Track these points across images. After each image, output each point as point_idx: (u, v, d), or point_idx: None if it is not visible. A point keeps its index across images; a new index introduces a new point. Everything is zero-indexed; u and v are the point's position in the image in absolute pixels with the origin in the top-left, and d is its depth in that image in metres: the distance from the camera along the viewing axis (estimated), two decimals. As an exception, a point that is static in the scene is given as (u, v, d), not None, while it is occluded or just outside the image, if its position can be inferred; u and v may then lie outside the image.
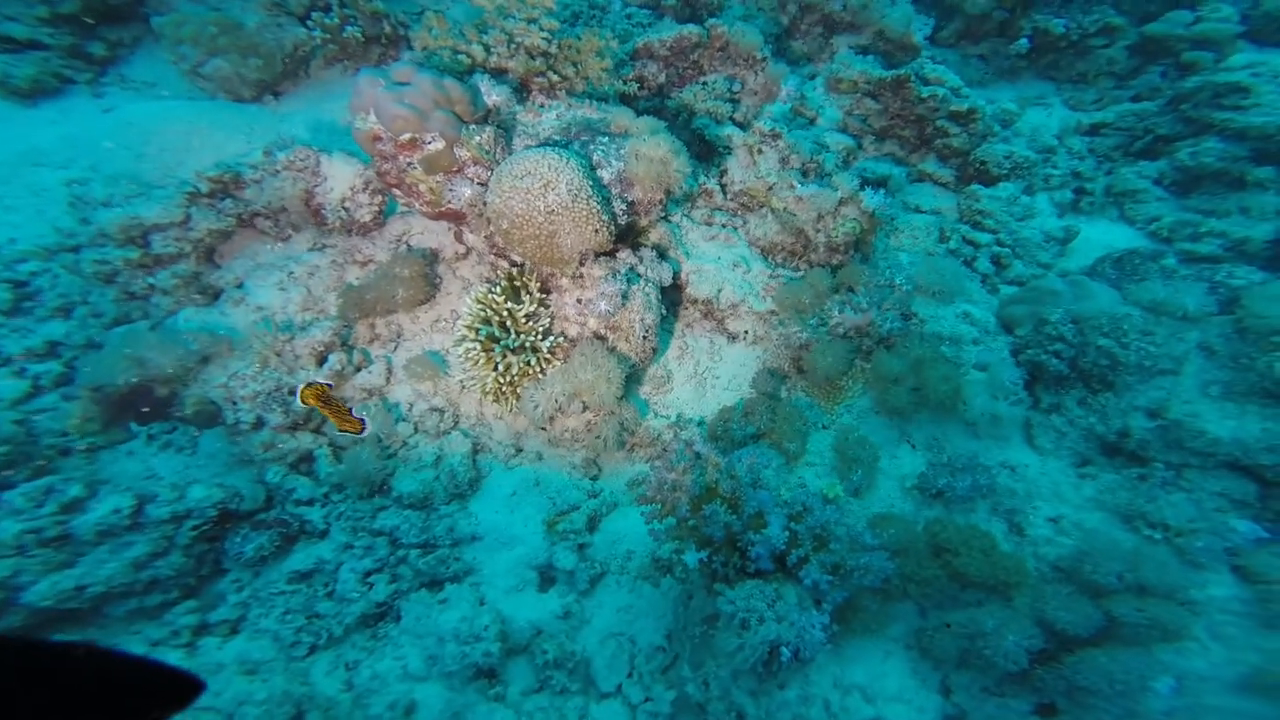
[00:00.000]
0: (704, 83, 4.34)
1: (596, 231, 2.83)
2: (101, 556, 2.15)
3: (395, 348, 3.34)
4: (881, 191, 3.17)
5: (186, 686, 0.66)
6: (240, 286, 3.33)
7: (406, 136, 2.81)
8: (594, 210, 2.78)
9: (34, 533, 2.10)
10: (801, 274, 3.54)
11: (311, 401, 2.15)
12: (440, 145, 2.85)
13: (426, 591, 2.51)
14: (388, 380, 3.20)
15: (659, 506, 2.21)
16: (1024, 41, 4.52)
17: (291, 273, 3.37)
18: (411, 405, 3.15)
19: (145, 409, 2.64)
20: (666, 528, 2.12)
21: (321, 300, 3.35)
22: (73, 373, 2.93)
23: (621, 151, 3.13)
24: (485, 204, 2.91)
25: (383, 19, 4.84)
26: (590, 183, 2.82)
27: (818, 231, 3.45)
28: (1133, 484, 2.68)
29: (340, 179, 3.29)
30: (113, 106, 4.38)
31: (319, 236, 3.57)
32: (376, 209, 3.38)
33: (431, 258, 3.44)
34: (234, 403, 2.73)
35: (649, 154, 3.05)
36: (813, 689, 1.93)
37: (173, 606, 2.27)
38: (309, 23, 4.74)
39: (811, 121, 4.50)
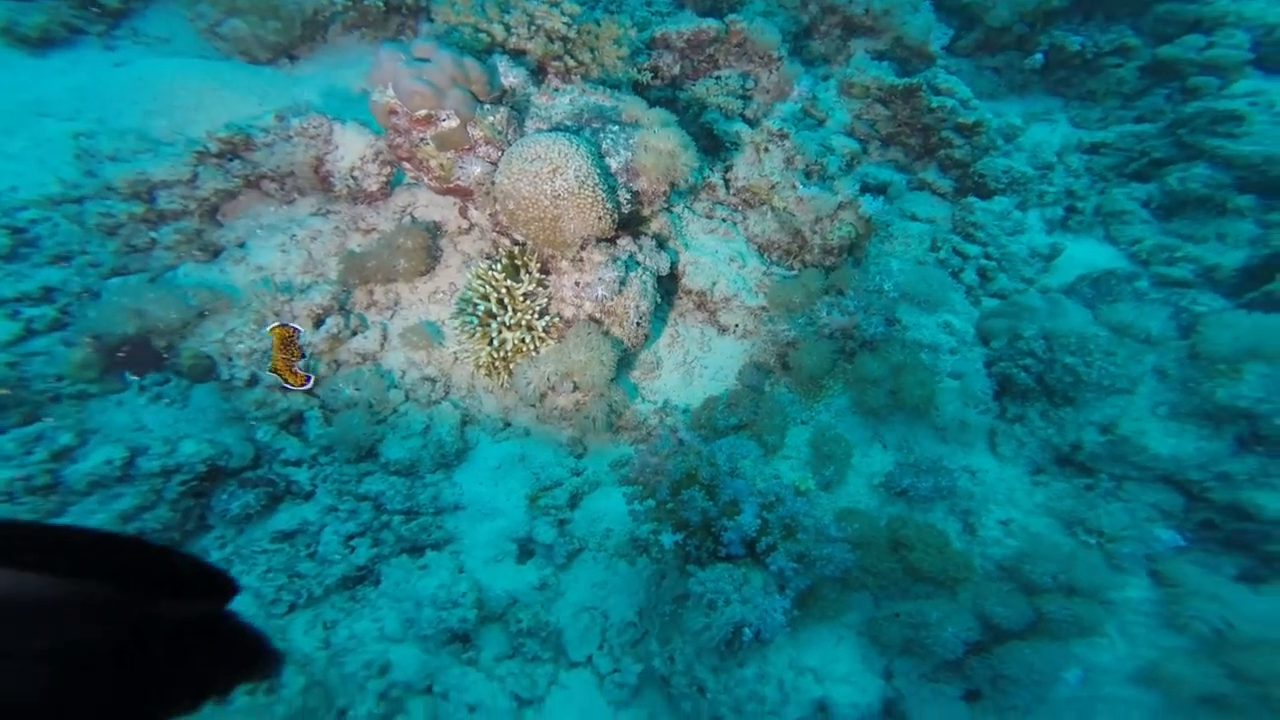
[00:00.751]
0: (717, 77, 4.40)
1: (600, 219, 2.89)
2: (90, 507, 2.19)
3: (392, 315, 3.38)
4: (880, 198, 3.26)
5: (225, 584, 0.56)
6: (242, 246, 3.36)
7: (422, 112, 2.85)
8: (599, 198, 2.84)
9: (24, 479, 2.14)
10: (795, 273, 3.63)
11: (274, 338, 2.16)
12: (454, 123, 2.90)
13: (407, 557, 2.57)
14: (382, 346, 3.25)
15: (640, 488, 2.28)
16: (1039, 56, 4.61)
17: (294, 235, 3.40)
18: (404, 373, 3.20)
19: (141, 359, 2.67)
20: (646, 509, 2.20)
21: (322, 264, 3.38)
22: (68, 319, 2.96)
23: (631, 141, 3.19)
24: (494, 183, 2.96)
25: (400, -11, 4.85)
26: (598, 171, 2.89)
27: (814, 233, 3.53)
28: (1079, 493, 2.84)
29: (351, 148, 3.33)
30: (125, 60, 4.38)
31: (324, 202, 3.60)
32: (384, 179, 3.42)
33: (434, 230, 3.49)
34: (229, 359, 2.78)
35: (658, 146, 3.11)
36: (770, 668, 2.02)
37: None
38: (333, -12, 4.73)
39: (821, 123, 4.58)
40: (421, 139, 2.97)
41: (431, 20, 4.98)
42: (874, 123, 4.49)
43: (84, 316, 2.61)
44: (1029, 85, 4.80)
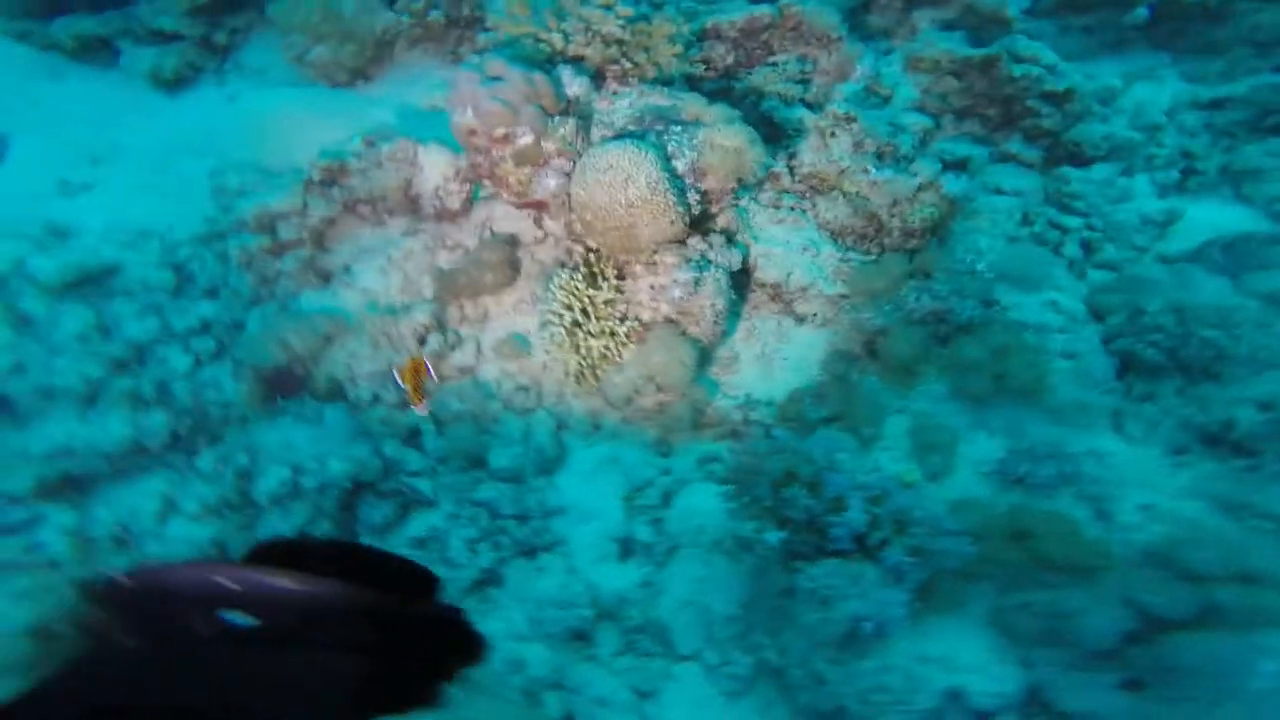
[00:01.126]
0: (774, 64, 4.24)
1: (672, 223, 2.94)
2: (275, 520, 2.57)
3: (482, 328, 3.61)
4: (963, 176, 3.10)
5: (429, 578, 0.63)
6: (348, 270, 3.67)
7: (501, 131, 2.98)
8: (670, 203, 2.89)
9: (222, 497, 2.54)
10: (874, 258, 3.53)
11: (410, 366, 2.40)
12: (530, 139, 3.01)
13: (524, 559, 2.84)
14: (478, 359, 3.49)
15: (736, 488, 2.39)
16: (1143, 11, 4.13)
17: (390, 257, 3.67)
18: (499, 384, 3.43)
19: (287, 385, 3.05)
20: (745, 507, 2.31)
21: (417, 283, 3.64)
22: (224, 349, 3.39)
23: (695, 141, 3.18)
24: (569, 195, 3.06)
25: (462, 1, 4.95)
26: (667, 175, 2.92)
27: (892, 216, 3.41)
28: (1238, 474, 2.61)
29: (434, 169, 3.52)
30: (235, 95, 4.76)
31: (412, 222, 3.84)
32: (465, 197, 3.61)
33: (513, 242, 3.65)
34: (354, 380, 3.09)
35: (723, 144, 3.10)
36: (892, 659, 2.10)
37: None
38: (395, 6, 4.92)
39: (886, 100, 4.33)
40: (501, 157, 3.10)
41: (487, 30, 5.09)
42: (945, 95, 4.20)
43: (242, 350, 2.99)
44: (1127, 42, 4.31)
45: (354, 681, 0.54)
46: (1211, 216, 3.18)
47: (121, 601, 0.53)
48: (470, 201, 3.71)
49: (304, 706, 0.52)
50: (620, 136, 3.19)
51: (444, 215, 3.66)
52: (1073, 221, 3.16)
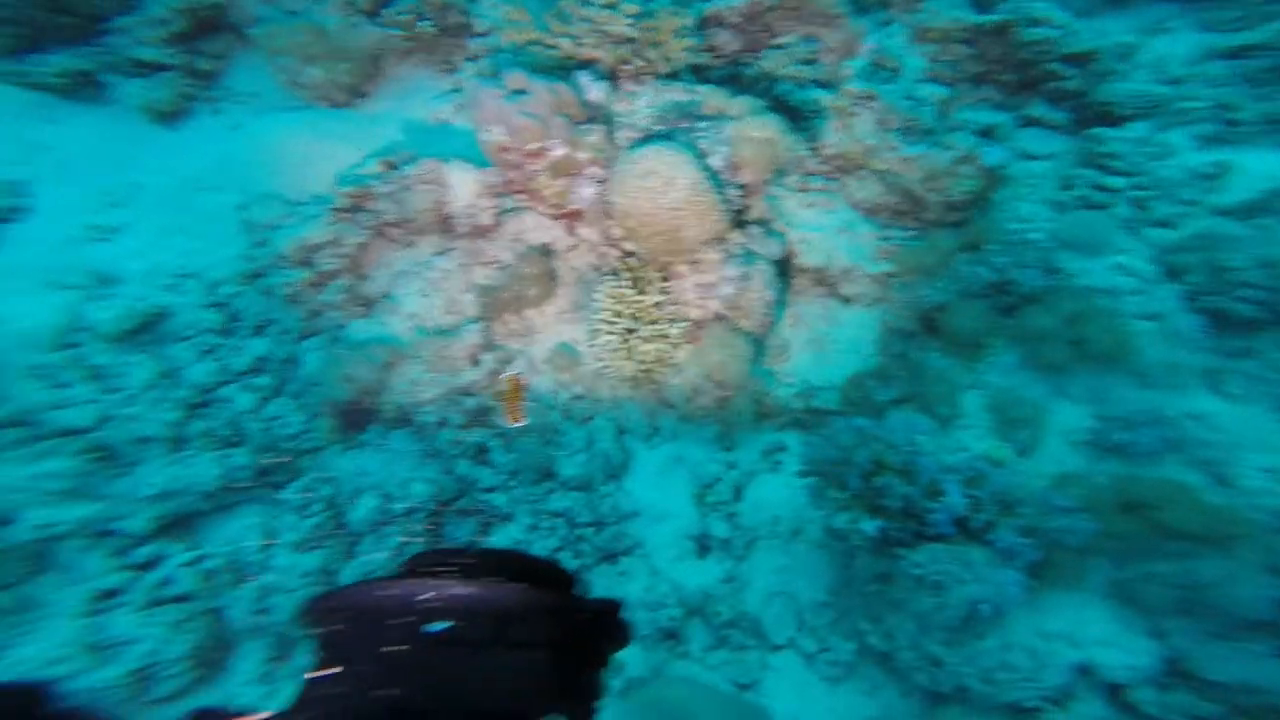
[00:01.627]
0: (780, 46, 4.19)
1: (716, 221, 2.94)
2: (372, 545, 2.62)
3: (530, 341, 3.62)
4: (1000, 146, 3.09)
5: (568, 575, 0.69)
6: (389, 296, 3.66)
7: (534, 146, 2.95)
8: (713, 202, 2.88)
9: (317, 528, 2.58)
10: (914, 233, 3.53)
11: (511, 385, 2.44)
12: (563, 151, 2.98)
13: (607, 564, 2.88)
14: (530, 373, 3.50)
15: (821, 480, 2.42)
16: None
17: (429, 279, 3.66)
18: (556, 394, 3.45)
19: (358, 416, 3.07)
20: (833, 500, 2.34)
21: (458, 302, 3.64)
22: (282, 384, 3.39)
23: (724, 135, 3.16)
24: (607, 203, 3.05)
25: (449, 9, 4.88)
26: (706, 174, 2.91)
27: (931, 191, 3.40)
28: None
29: (463, 186, 3.49)
30: (237, 124, 4.70)
31: (442, 241, 3.82)
32: (495, 211, 3.59)
33: (546, 252, 3.64)
34: (419, 406, 3.10)
35: (755, 135, 3.09)
36: (1013, 638, 2.13)
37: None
38: (379, 19, 4.84)
39: (895, 73, 4.30)
40: (535, 171, 3.08)
41: (477, 36, 5.02)
42: (956, 63, 4.17)
43: (317, 388, 3.02)
44: None
45: (539, 675, 0.58)
46: (1265, 167, 3.16)
47: (337, 617, 0.58)
48: (499, 214, 3.70)
49: (500, 701, 0.56)
50: (649, 138, 3.16)
51: (477, 232, 3.64)
52: (1117, 182, 3.15)
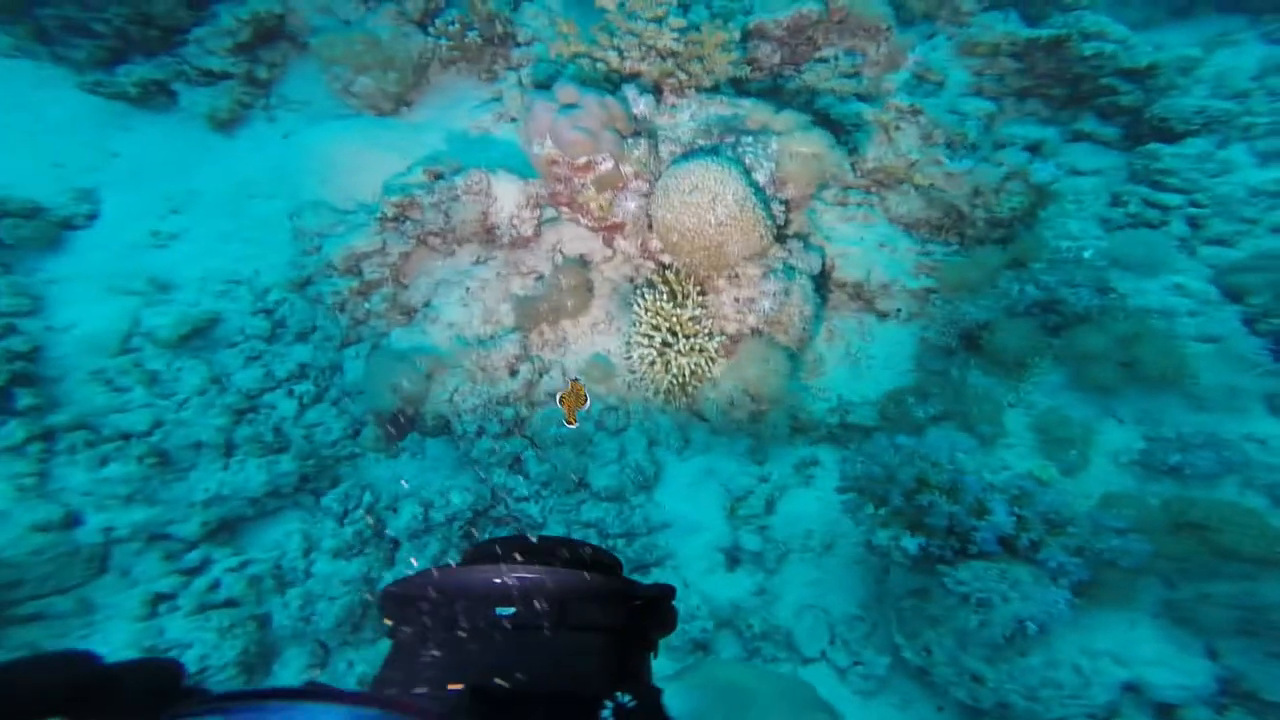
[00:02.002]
0: (823, 59, 4.19)
1: (761, 237, 2.95)
2: (411, 551, 2.69)
3: (564, 352, 3.67)
4: (1051, 163, 3.03)
5: (616, 561, 0.71)
6: (429, 305, 3.76)
7: (583, 160, 3.01)
8: (760, 218, 2.89)
9: (359, 534, 2.67)
10: (954, 248, 3.49)
11: (571, 390, 2.53)
12: (610, 165, 3.03)
13: (638, 575, 2.89)
14: (564, 383, 3.55)
15: (859, 496, 2.40)
16: None
17: (468, 288, 3.75)
18: (589, 405, 3.49)
19: (401, 425, 3.16)
20: (875, 516, 2.31)
21: (496, 311, 3.71)
22: (323, 391, 3.51)
23: (769, 150, 3.18)
24: (651, 217, 3.09)
25: (495, 19, 5.01)
26: (752, 190, 2.92)
27: (976, 207, 3.36)
28: None
29: (507, 197, 3.57)
30: (290, 131, 4.89)
31: (480, 250, 3.91)
32: (537, 222, 3.66)
33: (583, 263, 3.69)
34: (459, 415, 3.18)
35: (802, 151, 3.09)
36: (1057, 655, 2.08)
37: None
38: (430, 30, 5.00)
39: (939, 86, 4.26)
40: (582, 184, 3.14)
41: (519, 45, 5.14)
42: (1001, 77, 4.11)
43: (363, 398, 3.11)
44: (1194, 7, 4.14)
45: (603, 657, 0.60)
46: None
47: (412, 602, 0.61)
48: (540, 225, 3.77)
49: (567, 683, 0.58)
50: (692, 153, 3.19)
51: (519, 242, 3.72)
52: (1173, 199, 3.07)
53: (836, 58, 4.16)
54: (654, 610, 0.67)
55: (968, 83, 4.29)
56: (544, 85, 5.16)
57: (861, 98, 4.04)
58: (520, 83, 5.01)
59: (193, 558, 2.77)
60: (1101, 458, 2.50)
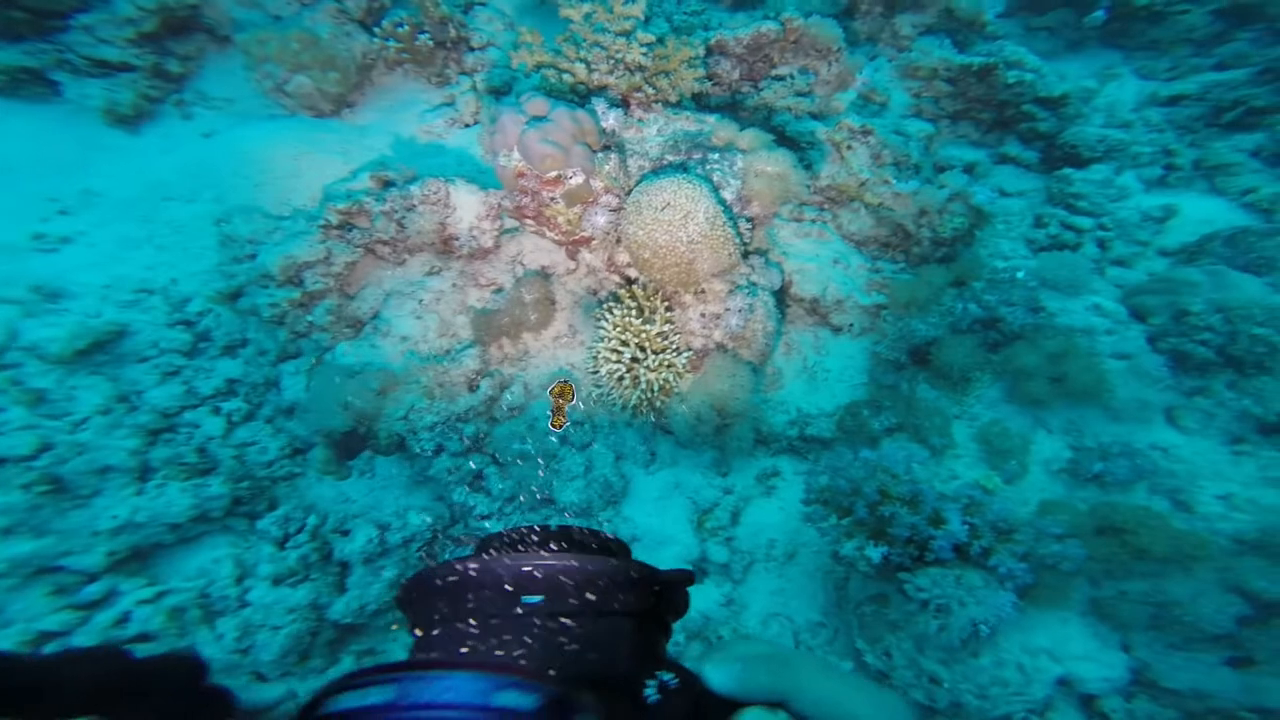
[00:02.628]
0: (779, 77, 4.34)
1: (730, 255, 3.00)
2: (366, 577, 2.52)
3: (525, 367, 3.59)
4: (987, 185, 3.28)
5: (624, 545, 0.75)
6: (376, 317, 3.56)
7: (553, 174, 2.95)
8: (729, 235, 2.95)
9: (304, 559, 2.48)
10: (901, 266, 3.70)
11: (558, 389, 2.48)
12: (581, 179, 2.99)
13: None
14: (526, 399, 3.47)
15: (823, 508, 2.50)
16: (1100, 13, 4.44)
17: (421, 300, 3.58)
18: (566, 421, 3.43)
19: (351, 444, 2.96)
20: (839, 527, 2.42)
21: (452, 325, 3.57)
22: (256, 409, 3.24)
23: (736, 168, 3.25)
24: (621, 233, 3.07)
25: (448, 23, 4.83)
26: (722, 208, 2.97)
27: (921, 226, 3.58)
28: None
29: (467, 207, 3.44)
30: (211, 131, 4.48)
31: (433, 260, 3.75)
32: (497, 233, 3.55)
33: (544, 275, 3.63)
34: (415, 433, 3.03)
35: (767, 170, 3.17)
36: (1003, 655, 2.26)
37: (413, 620, 2.67)
38: (377, 31, 4.76)
39: (883, 106, 4.52)
40: (550, 198, 3.08)
41: (472, 50, 4.99)
42: (937, 100, 4.42)
43: (309, 417, 2.89)
44: (1085, 41, 4.63)
45: (630, 641, 0.62)
46: (1195, 210, 3.48)
47: (437, 592, 0.62)
48: (500, 237, 3.66)
49: (596, 667, 0.59)
50: (662, 169, 3.21)
51: (476, 254, 3.60)
52: (1084, 222, 3.41)
53: (792, 76, 4.31)
54: (673, 594, 0.70)
55: (908, 104, 4.58)
56: (500, 91, 5.02)
57: (815, 116, 4.21)
58: (475, 88, 4.85)
59: (93, 590, 2.48)
60: (1036, 467, 2.74)
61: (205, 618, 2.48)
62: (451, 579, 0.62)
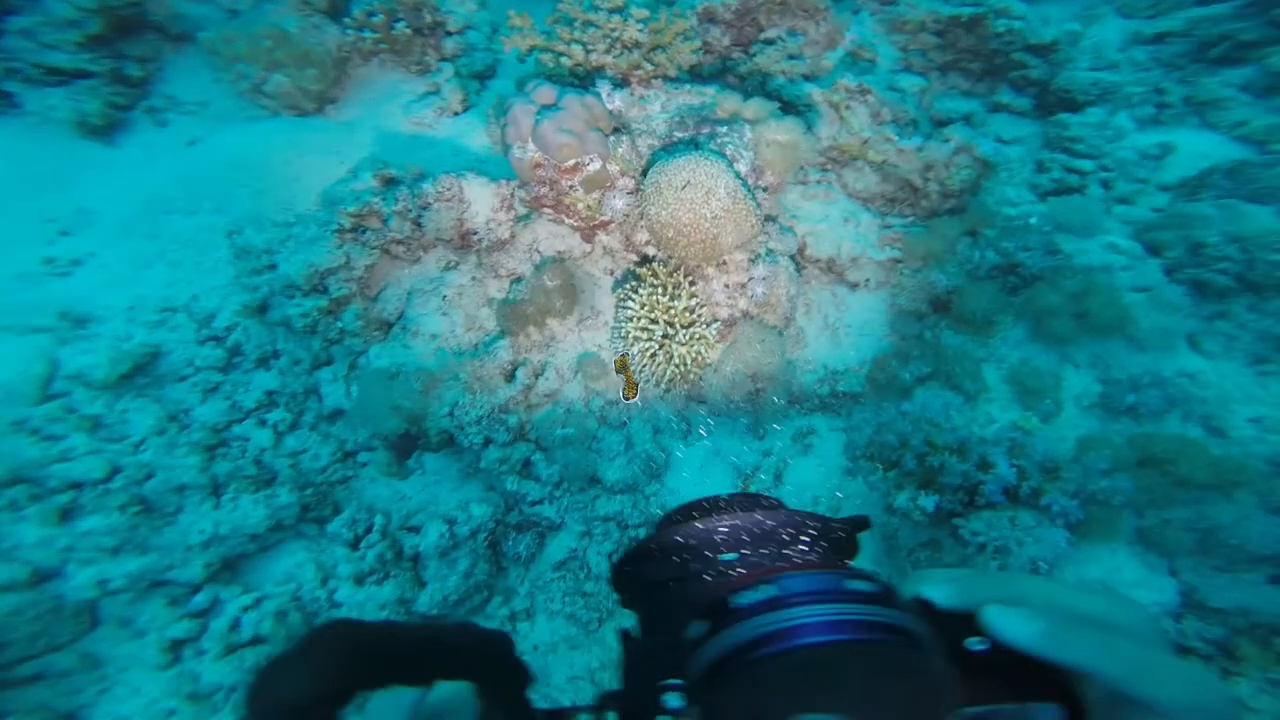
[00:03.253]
0: (770, 41, 4.32)
1: (752, 226, 3.06)
2: (443, 570, 2.61)
3: (554, 352, 3.64)
4: (990, 135, 3.35)
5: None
6: (403, 317, 3.58)
7: (571, 162, 2.95)
8: (750, 208, 3.00)
9: (380, 556, 2.57)
10: (911, 220, 3.79)
11: (623, 363, 2.58)
12: (598, 165, 3.00)
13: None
14: (560, 383, 3.53)
15: (870, 463, 2.63)
16: None
17: (444, 296, 3.60)
18: (588, 401, 3.51)
19: (407, 445, 3.02)
20: (885, 479, 2.55)
21: (477, 318, 3.60)
22: (299, 417, 3.27)
23: (745, 139, 3.27)
24: (643, 214, 3.10)
25: (423, 9, 4.71)
26: (740, 181, 3.02)
27: (928, 180, 3.65)
28: None
29: (481, 201, 3.44)
30: (196, 138, 4.37)
31: (448, 254, 3.75)
32: (513, 223, 3.56)
33: (563, 261, 3.65)
34: (462, 428, 3.08)
35: (778, 139, 3.21)
36: None
37: (488, 603, 2.76)
38: (348, 21, 4.63)
39: (872, 63, 4.53)
40: (570, 186, 3.09)
41: (449, 34, 4.88)
42: (924, 52, 4.44)
43: (362, 423, 2.95)
44: None
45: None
46: (1191, 145, 3.59)
47: (649, 560, 0.67)
48: (514, 226, 3.66)
49: None
50: (673, 146, 3.23)
51: (493, 246, 3.60)
52: (1086, 164, 3.50)
53: (781, 39, 4.29)
54: (851, 542, 0.74)
55: (896, 59, 4.59)
56: (485, 75, 4.92)
57: (808, 78, 4.21)
58: (458, 74, 4.76)
59: (200, 600, 2.60)
60: (1070, 403, 2.87)
61: (305, 619, 2.57)
62: (647, 552, 0.67)
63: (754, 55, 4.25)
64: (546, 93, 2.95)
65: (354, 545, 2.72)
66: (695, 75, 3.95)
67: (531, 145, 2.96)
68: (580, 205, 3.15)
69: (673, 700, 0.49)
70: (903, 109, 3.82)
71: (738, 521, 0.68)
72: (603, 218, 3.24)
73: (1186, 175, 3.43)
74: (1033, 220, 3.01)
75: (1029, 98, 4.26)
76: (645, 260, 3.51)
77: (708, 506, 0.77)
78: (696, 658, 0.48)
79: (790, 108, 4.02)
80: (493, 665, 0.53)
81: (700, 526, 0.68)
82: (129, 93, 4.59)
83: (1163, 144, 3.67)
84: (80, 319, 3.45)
